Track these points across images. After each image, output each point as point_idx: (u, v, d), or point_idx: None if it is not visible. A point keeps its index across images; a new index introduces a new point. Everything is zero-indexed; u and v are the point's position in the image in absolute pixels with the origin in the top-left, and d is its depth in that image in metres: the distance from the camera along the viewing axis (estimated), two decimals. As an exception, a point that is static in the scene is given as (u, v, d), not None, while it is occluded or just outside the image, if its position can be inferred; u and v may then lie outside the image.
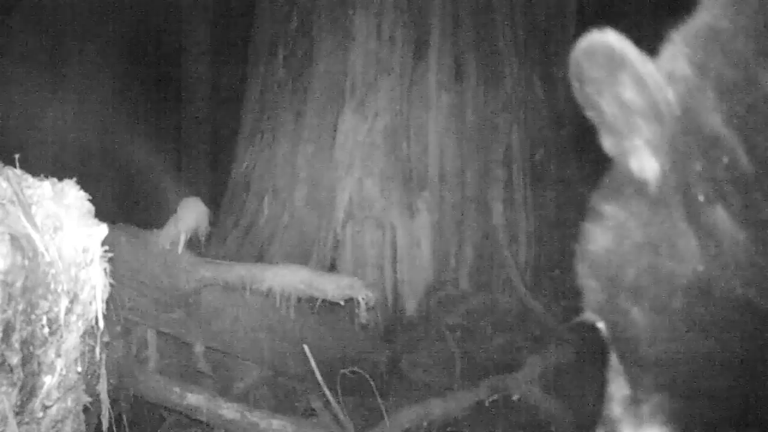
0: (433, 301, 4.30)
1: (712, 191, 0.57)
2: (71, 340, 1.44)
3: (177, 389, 2.82)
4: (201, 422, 2.89)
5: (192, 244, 3.04)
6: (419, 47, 4.64)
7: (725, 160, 0.56)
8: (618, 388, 0.70)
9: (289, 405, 3.36)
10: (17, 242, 1.24)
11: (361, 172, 4.38)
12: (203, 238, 3.12)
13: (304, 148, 4.52)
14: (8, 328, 1.24)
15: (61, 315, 1.38)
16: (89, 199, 1.50)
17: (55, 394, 1.42)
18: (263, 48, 4.94)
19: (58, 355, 1.41)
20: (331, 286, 2.98)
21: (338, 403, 2.97)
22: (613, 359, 0.72)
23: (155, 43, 7.20)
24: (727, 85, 0.58)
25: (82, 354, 1.53)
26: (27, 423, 1.37)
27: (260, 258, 4.25)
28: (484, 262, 4.60)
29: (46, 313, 1.34)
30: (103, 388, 1.97)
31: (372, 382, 3.05)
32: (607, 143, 0.65)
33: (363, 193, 4.36)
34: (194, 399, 2.79)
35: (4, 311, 1.22)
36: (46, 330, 1.34)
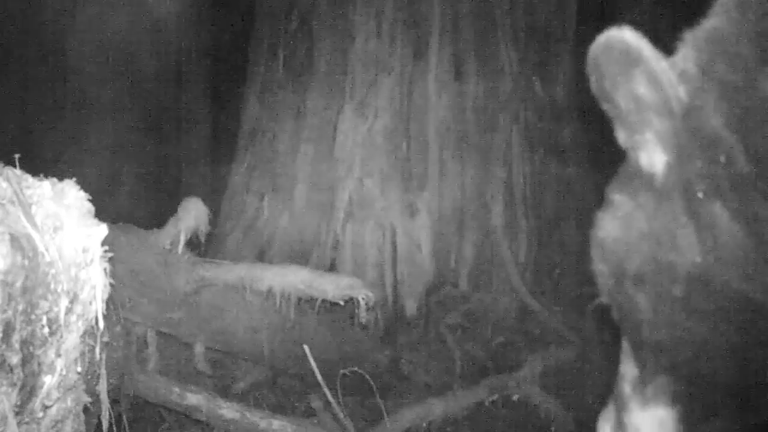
0: (433, 301, 4.30)
1: (711, 188, 0.60)
2: (71, 340, 1.45)
3: (177, 389, 2.82)
4: (201, 422, 2.89)
5: (192, 244, 3.04)
6: (419, 47, 4.64)
7: (723, 159, 0.59)
8: (628, 368, 0.74)
9: (289, 405, 3.36)
10: (17, 242, 1.24)
11: (361, 172, 4.39)
12: (203, 238, 3.12)
13: (304, 148, 4.52)
14: (8, 328, 1.24)
15: (61, 315, 1.38)
16: (89, 199, 1.50)
17: (55, 394, 1.42)
18: (263, 48, 4.94)
19: (58, 355, 1.41)
20: (331, 286, 2.98)
21: (338, 403, 2.97)
22: (624, 341, 0.76)
23: (155, 43, 7.21)
24: (728, 87, 0.61)
25: (82, 354, 1.53)
26: (27, 423, 1.37)
27: (260, 258, 4.25)
28: (484, 262, 4.60)
29: (46, 313, 1.34)
30: (103, 388, 1.97)
31: (372, 382, 3.05)
32: (621, 136, 0.68)
33: (363, 193, 4.36)
34: (194, 399, 2.80)
35: (4, 311, 1.22)
36: (46, 330, 1.34)
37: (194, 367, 3.22)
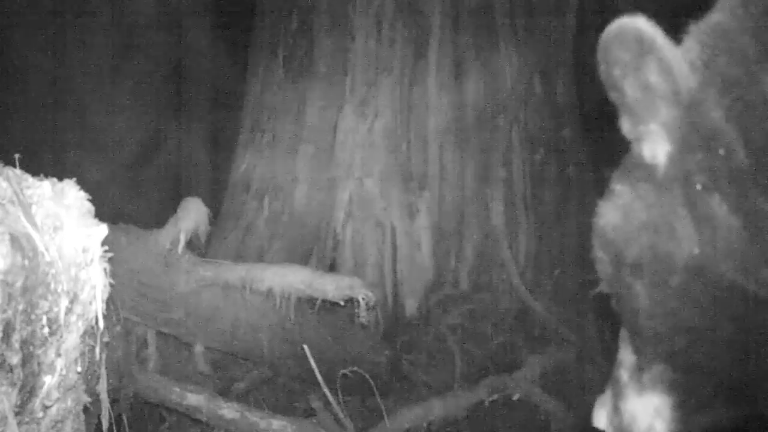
0: (433, 301, 4.30)
1: (709, 181, 0.60)
2: (71, 340, 1.45)
3: (177, 389, 2.82)
4: (201, 422, 2.89)
5: (192, 244, 3.04)
6: (419, 47, 4.64)
7: (722, 152, 0.60)
8: (626, 355, 0.75)
9: (289, 405, 3.36)
10: (17, 242, 1.24)
11: (361, 172, 4.38)
12: (203, 238, 3.12)
13: (304, 148, 4.52)
14: (8, 328, 1.24)
15: (61, 315, 1.38)
16: (89, 199, 1.50)
17: (55, 394, 1.42)
18: (263, 48, 4.94)
19: (58, 355, 1.41)
20: (331, 286, 2.98)
21: (338, 403, 2.97)
22: (623, 329, 0.77)
23: (155, 42, 7.20)
24: (729, 81, 0.61)
25: (82, 354, 1.53)
26: (27, 423, 1.37)
27: (260, 258, 4.25)
28: (484, 262, 4.60)
29: (46, 313, 1.34)
30: (103, 388, 1.97)
31: (372, 382, 3.05)
32: (626, 126, 0.68)
33: (363, 193, 4.36)
34: (194, 399, 2.80)
35: (4, 311, 1.22)
36: (46, 330, 1.34)
37: (194, 367, 3.22)
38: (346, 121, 4.48)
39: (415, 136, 4.59)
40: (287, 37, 4.76)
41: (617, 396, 0.74)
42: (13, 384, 1.28)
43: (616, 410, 0.73)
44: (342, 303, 3.04)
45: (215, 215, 4.01)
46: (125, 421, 2.69)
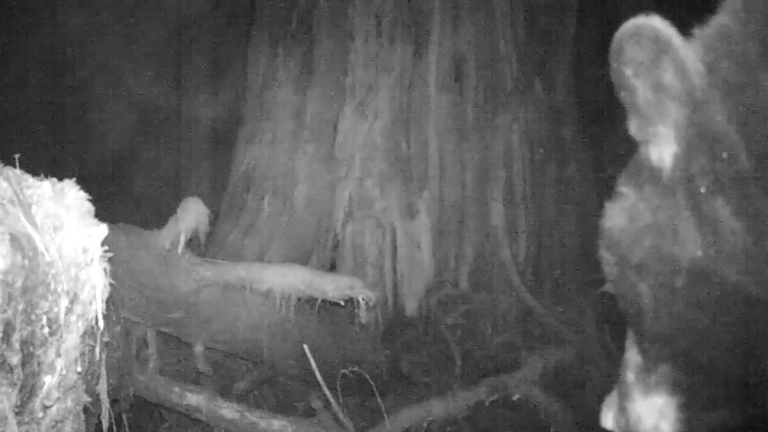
0: (433, 301, 4.30)
1: (713, 184, 0.61)
2: (71, 340, 1.45)
3: (177, 389, 2.82)
4: (201, 422, 2.89)
5: (192, 244, 3.04)
6: (419, 47, 4.64)
7: (725, 155, 0.60)
8: (632, 356, 0.75)
9: (289, 405, 3.36)
10: (17, 242, 1.24)
11: (361, 172, 4.39)
12: (203, 238, 3.12)
13: (304, 148, 4.52)
14: (8, 328, 1.24)
15: (61, 315, 1.38)
16: (89, 199, 1.50)
17: (55, 394, 1.42)
18: (263, 48, 4.94)
19: (58, 355, 1.41)
20: (331, 286, 2.97)
21: (338, 403, 2.97)
22: (629, 330, 0.77)
23: (155, 42, 7.20)
24: (733, 85, 0.61)
25: (82, 354, 1.53)
26: (27, 423, 1.37)
27: (260, 258, 4.25)
28: (484, 262, 4.60)
29: (46, 313, 1.34)
30: (103, 388, 1.97)
31: (372, 382, 3.05)
32: (634, 127, 0.68)
33: (363, 193, 4.36)
34: (194, 399, 2.80)
35: (4, 311, 1.22)
36: (46, 330, 1.34)
37: (194, 367, 3.22)
38: (346, 121, 4.48)
39: (415, 136, 4.59)
40: (287, 37, 4.76)
41: (623, 396, 0.74)
42: (13, 384, 1.28)
43: (622, 410, 0.74)
44: (342, 303, 3.04)
45: (215, 215, 4.01)
46: (125, 421, 2.69)
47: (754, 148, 0.59)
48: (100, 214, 1.53)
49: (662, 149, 0.64)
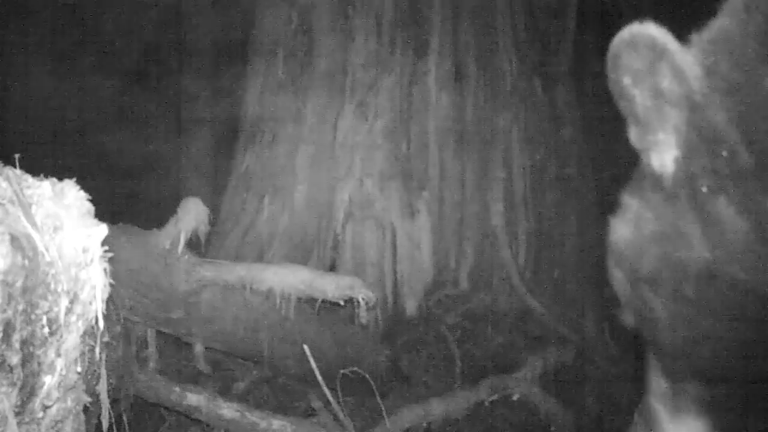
0: (433, 301, 4.30)
1: (715, 183, 0.61)
2: (71, 340, 1.45)
3: (177, 389, 2.82)
4: (201, 422, 2.90)
5: (192, 244, 3.04)
6: (419, 47, 4.64)
7: (726, 154, 0.60)
8: (655, 381, 0.73)
9: (289, 405, 3.36)
10: (17, 242, 1.24)
11: (361, 172, 4.38)
12: (203, 238, 3.12)
13: (304, 148, 4.52)
14: (8, 328, 1.24)
15: (61, 315, 1.38)
16: (89, 199, 1.50)
17: (55, 394, 1.42)
18: (263, 48, 4.94)
19: (58, 355, 1.41)
20: (331, 286, 2.97)
21: (338, 403, 2.97)
22: (648, 355, 0.75)
23: (155, 42, 7.20)
24: (732, 85, 0.61)
25: (82, 354, 1.53)
26: (27, 423, 1.37)
27: (260, 258, 4.25)
28: (484, 262, 4.60)
29: (46, 313, 1.34)
30: (103, 388, 1.97)
31: (372, 382, 3.05)
32: (634, 136, 0.67)
33: (363, 193, 4.36)
34: (194, 399, 2.80)
35: (4, 311, 1.22)
36: (46, 330, 1.34)
37: (194, 367, 3.22)
38: (346, 121, 4.48)
39: (415, 136, 4.59)
40: (287, 37, 4.76)
41: (650, 424, 0.72)
42: (13, 384, 1.28)
43: None
44: (342, 303, 3.04)
45: (215, 215, 4.01)
46: (125, 421, 2.69)
47: (754, 146, 0.59)
48: (100, 215, 1.53)
49: (663, 155, 0.64)
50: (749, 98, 0.60)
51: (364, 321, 3.14)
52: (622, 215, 0.70)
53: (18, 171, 1.41)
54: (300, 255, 4.22)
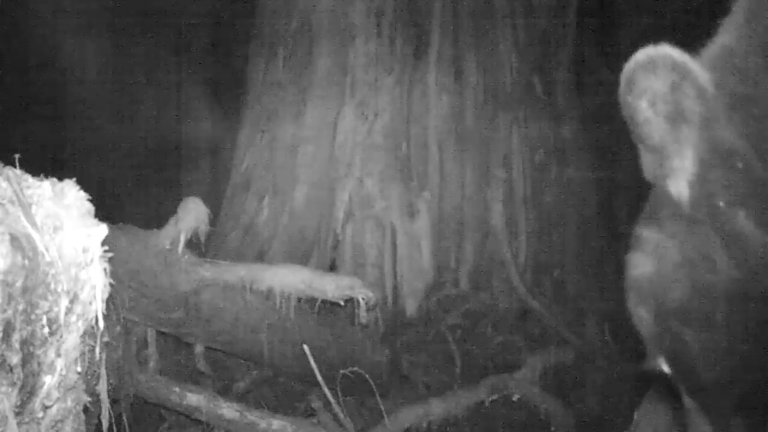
0: (433, 301, 4.30)
1: (732, 197, 0.59)
2: (71, 340, 1.45)
3: (177, 389, 2.82)
4: (201, 422, 2.89)
5: (192, 244, 3.04)
6: (419, 47, 4.64)
7: (741, 165, 0.59)
8: (695, 424, 0.70)
9: (289, 405, 3.36)
10: (17, 242, 1.24)
11: (361, 172, 4.38)
12: (203, 238, 3.12)
13: (304, 148, 4.52)
14: (8, 328, 1.24)
15: (61, 315, 1.38)
16: (89, 199, 1.50)
17: (55, 394, 1.42)
18: (263, 48, 4.94)
19: (58, 355, 1.41)
20: (331, 286, 2.97)
21: (338, 403, 2.97)
22: (686, 400, 0.72)
23: (155, 42, 7.21)
24: (739, 99, 0.61)
25: (82, 354, 1.53)
26: (27, 423, 1.37)
27: (260, 258, 4.25)
28: (484, 262, 4.60)
29: (46, 313, 1.34)
30: (103, 388, 1.97)
31: (372, 382, 3.05)
32: (649, 165, 0.66)
33: (363, 193, 4.36)
34: (194, 399, 2.80)
35: (4, 311, 1.22)
36: (46, 330, 1.34)
37: (194, 367, 3.22)
38: (346, 121, 4.48)
39: (415, 136, 4.59)
40: (287, 37, 4.76)
41: None
42: (13, 384, 1.28)
43: None
44: (342, 303, 3.04)
45: (215, 215, 4.01)
46: (125, 421, 2.68)
47: (767, 157, 0.58)
48: (100, 215, 1.53)
49: (680, 181, 0.63)
50: (757, 110, 0.60)
51: (364, 321, 3.14)
52: (641, 250, 0.67)
53: (18, 171, 1.41)
54: (300, 255, 4.22)
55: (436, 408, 3.17)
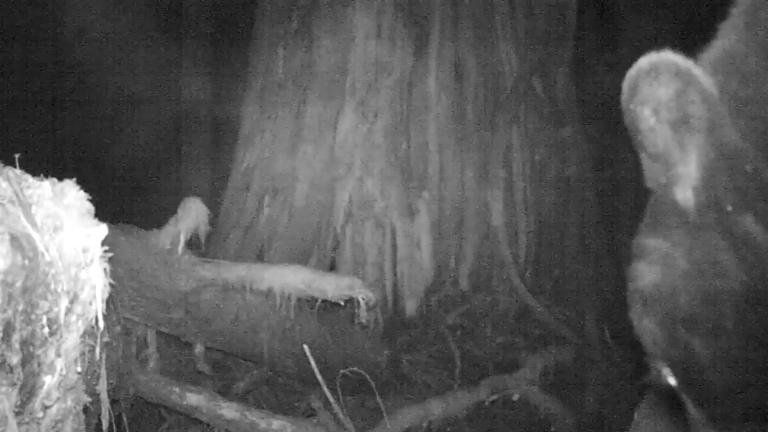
0: (433, 301, 4.31)
1: (739, 200, 0.59)
2: (71, 340, 1.45)
3: (177, 389, 2.82)
4: (201, 422, 2.89)
5: (192, 244, 3.04)
6: (419, 47, 4.64)
7: (747, 169, 0.58)
8: None
9: (289, 405, 3.36)
10: (17, 242, 1.24)
11: (361, 172, 4.38)
12: (203, 238, 3.12)
13: (304, 148, 4.52)
14: (8, 328, 1.24)
15: (61, 315, 1.38)
16: (89, 199, 1.50)
17: (55, 394, 1.42)
18: (263, 48, 4.94)
19: (58, 355, 1.41)
20: (331, 286, 2.97)
21: (338, 403, 2.97)
22: (692, 411, 0.70)
23: (155, 42, 7.20)
24: (742, 102, 0.61)
25: (82, 354, 1.53)
26: (27, 423, 1.37)
27: (260, 258, 4.25)
28: (484, 262, 4.60)
29: (46, 313, 1.34)
30: (103, 388, 1.97)
31: (372, 382, 3.05)
32: (652, 173, 0.64)
33: (363, 193, 4.36)
34: (194, 399, 2.80)
35: (4, 311, 1.22)
36: (46, 330, 1.34)
37: (194, 367, 3.22)
38: (346, 121, 4.47)
39: (415, 136, 4.59)
40: (287, 37, 4.76)
41: None
42: (13, 384, 1.28)
43: None
44: (342, 303, 3.04)
45: (215, 215, 4.01)
46: (125, 421, 2.69)
47: None
48: (101, 214, 1.53)
49: (686, 188, 0.62)
50: (761, 112, 0.60)
51: (364, 321, 3.14)
52: (646, 260, 0.66)
53: (18, 171, 1.41)
54: (300, 255, 4.22)
55: (436, 408, 3.17)
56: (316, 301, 3.06)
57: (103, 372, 1.94)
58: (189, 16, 7.22)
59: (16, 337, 1.26)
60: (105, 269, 1.52)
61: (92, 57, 6.70)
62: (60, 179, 1.49)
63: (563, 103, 5.13)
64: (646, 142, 0.63)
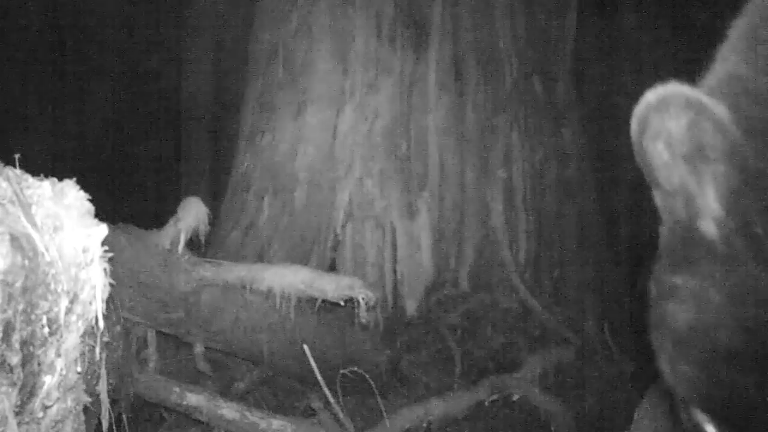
0: (433, 301, 4.30)
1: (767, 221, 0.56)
2: (71, 340, 1.45)
3: (177, 389, 2.82)
4: (201, 422, 2.89)
5: (192, 244, 3.04)
6: (419, 47, 4.64)
7: None
8: None
9: (289, 405, 3.36)
10: (17, 242, 1.24)
11: (361, 172, 4.38)
12: (203, 238, 3.12)
13: (304, 148, 4.52)
14: (8, 328, 1.24)
15: (61, 315, 1.38)
16: (89, 199, 1.50)
17: (55, 394, 1.42)
18: (263, 48, 4.94)
19: (58, 355, 1.41)
20: (331, 286, 2.98)
21: (338, 403, 2.97)
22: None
23: (155, 42, 7.21)
24: (756, 121, 0.59)
25: (82, 354, 1.53)
26: (27, 423, 1.37)
27: (260, 258, 4.24)
28: (484, 262, 4.60)
29: (46, 313, 1.34)
30: (103, 388, 1.97)
31: (372, 382, 3.05)
32: (670, 209, 0.62)
33: (363, 193, 4.36)
34: (194, 399, 2.80)
35: (4, 311, 1.22)
36: (46, 330, 1.34)
37: (194, 367, 3.22)
38: (346, 121, 4.47)
39: (415, 136, 4.59)
40: (287, 37, 4.76)
41: None
42: (13, 384, 1.28)
43: None
44: (342, 303, 3.04)
45: (215, 215, 4.01)
46: (125, 421, 2.68)
47: None
48: (101, 214, 1.53)
49: (708, 219, 0.59)
50: None
51: (364, 321, 3.14)
52: (675, 300, 0.62)
53: (18, 171, 1.41)
54: (300, 255, 4.22)
55: (436, 408, 3.17)
56: (316, 301, 3.06)
57: (103, 372, 1.94)
58: (189, 16, 7.22)
59: (16, 337, 1.26)
60: (105, 269, 1.52)
61: (92, 57, 6.70)
62: (60, 179, 1.49)
63: (563, 103, 5.13)
64: (661, 179, 0.60)
